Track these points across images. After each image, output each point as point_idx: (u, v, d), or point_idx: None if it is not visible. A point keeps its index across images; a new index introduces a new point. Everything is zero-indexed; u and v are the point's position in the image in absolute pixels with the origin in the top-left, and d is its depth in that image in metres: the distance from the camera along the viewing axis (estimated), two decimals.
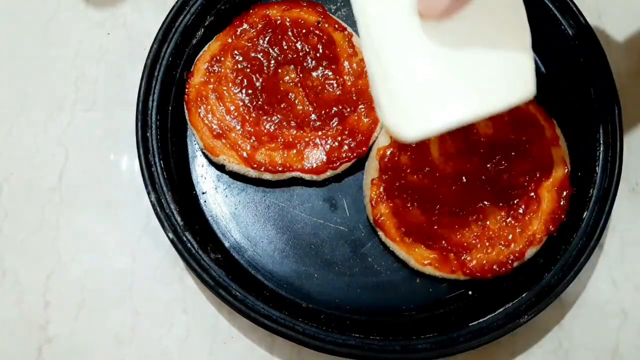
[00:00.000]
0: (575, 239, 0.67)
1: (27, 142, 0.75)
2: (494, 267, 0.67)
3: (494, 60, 0.55)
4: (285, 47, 0.74)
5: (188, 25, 0.73)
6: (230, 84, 0.72)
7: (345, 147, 0.71)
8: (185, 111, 0.72)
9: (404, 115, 0.53)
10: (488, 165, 0.70)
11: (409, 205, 0.69)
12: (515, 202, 0.69)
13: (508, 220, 0.69)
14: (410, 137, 0.53)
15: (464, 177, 0.70)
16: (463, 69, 0.55)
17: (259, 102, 0.72)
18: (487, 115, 0.54)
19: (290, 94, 0.73)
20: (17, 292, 0.70)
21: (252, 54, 0.73)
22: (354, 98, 0.73)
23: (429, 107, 0.53)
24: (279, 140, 0.71)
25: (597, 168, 0.69)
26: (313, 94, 0.73)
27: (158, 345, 0.69)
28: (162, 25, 0.72)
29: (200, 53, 0.74)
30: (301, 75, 0.73)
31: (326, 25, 0.75)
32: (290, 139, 0.71)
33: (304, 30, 0.74)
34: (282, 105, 0.72)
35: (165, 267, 0.72)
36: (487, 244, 0.68)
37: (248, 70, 0.73)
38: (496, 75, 0.55)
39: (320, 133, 0.72)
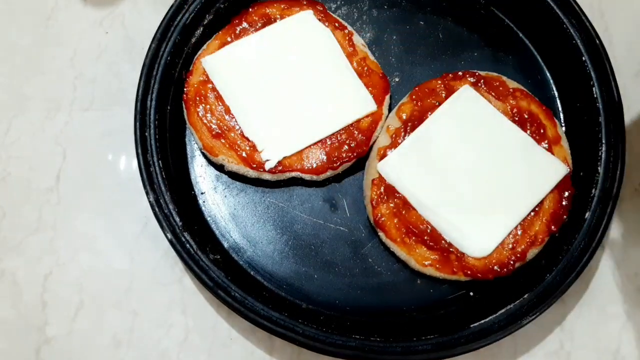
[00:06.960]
0: (577, 239, 0.67)
1: (25, 142, 0.75)
2: (495, 268, 0.67)
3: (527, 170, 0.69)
4: None
5: (187, 24, 0.73)
6: None
7: (345, 147, 0.71)
8: (184, 110, 0.72)
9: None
10: None
11: (409, 205, 0.68)
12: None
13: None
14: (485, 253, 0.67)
15: None
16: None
17: None
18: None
19: None
20: (15, 292, 0.70)
21: None
22: None
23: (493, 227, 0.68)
24: None
25: (599, 168, 0.69)
26: None
27: (157, 347, 0.69)
28: (160, 24, 0.72)
29: (199, 52, 0.74)
30: None
31: (326, 24, 0.74)
32: None
33: None
34: None
35: (163, 268, 0.71)
36: None
37: None
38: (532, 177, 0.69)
39: None
